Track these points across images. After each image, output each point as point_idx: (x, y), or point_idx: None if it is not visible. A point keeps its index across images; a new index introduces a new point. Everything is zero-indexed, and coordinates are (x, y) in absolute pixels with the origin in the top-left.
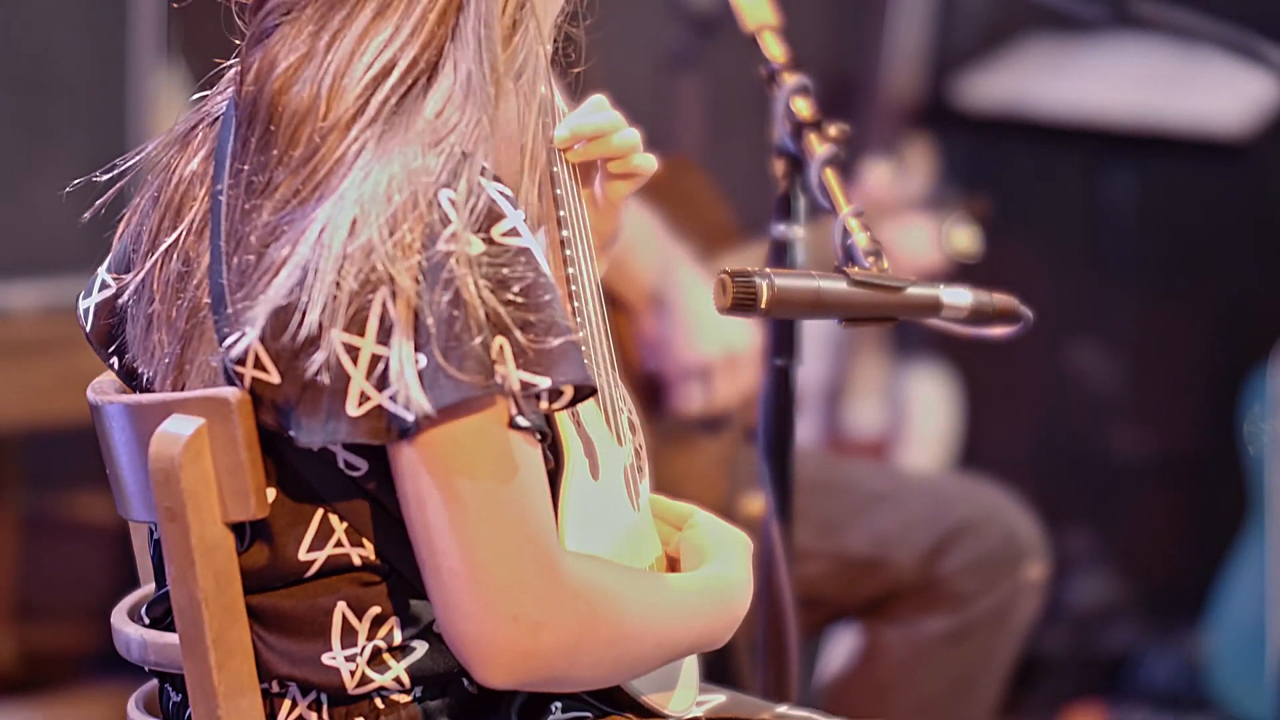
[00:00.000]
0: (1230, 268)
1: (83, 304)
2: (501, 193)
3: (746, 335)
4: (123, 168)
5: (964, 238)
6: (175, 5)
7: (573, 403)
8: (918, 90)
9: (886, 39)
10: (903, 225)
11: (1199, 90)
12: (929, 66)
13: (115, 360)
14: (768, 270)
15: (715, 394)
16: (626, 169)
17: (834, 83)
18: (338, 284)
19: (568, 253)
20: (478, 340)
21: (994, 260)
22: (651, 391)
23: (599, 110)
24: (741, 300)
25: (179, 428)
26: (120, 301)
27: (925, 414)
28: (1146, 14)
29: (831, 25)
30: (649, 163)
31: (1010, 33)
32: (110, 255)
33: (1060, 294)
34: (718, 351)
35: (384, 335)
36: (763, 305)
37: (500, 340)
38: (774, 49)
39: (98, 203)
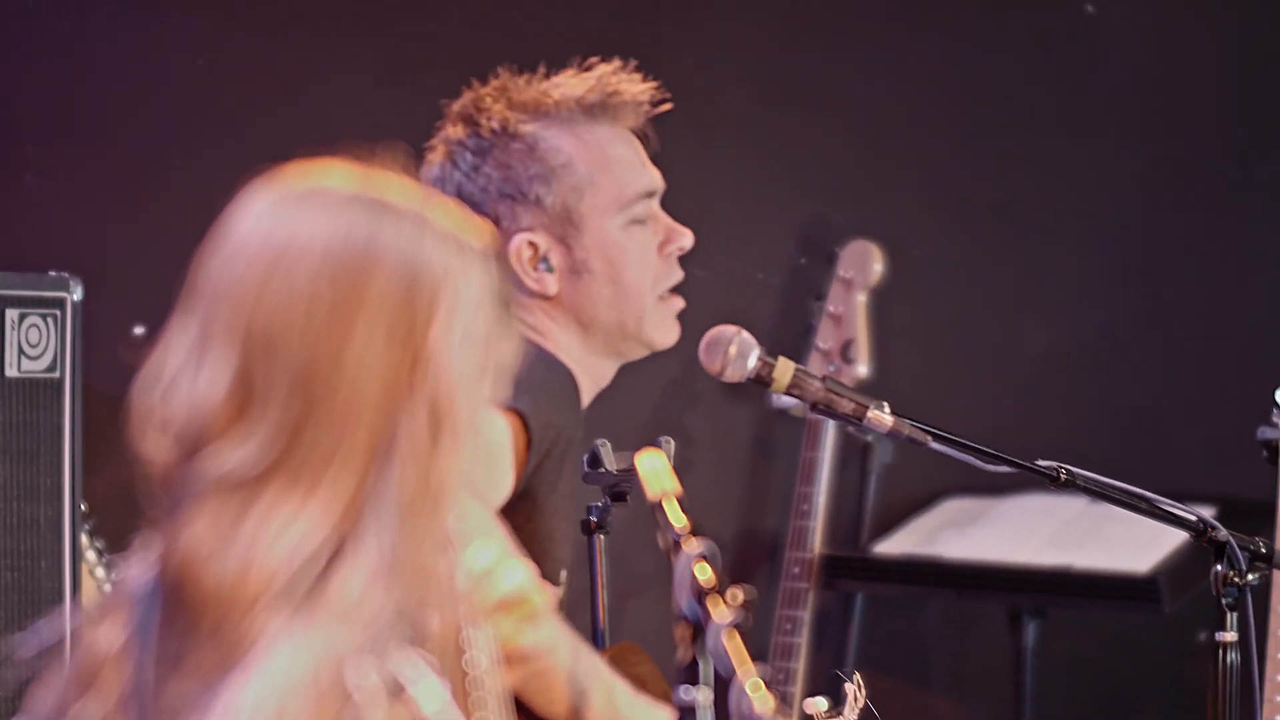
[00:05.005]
0: (1147, 710)
1: None
2: (411, 664)
3: None
4: (38, 639)
5: None
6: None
7: None
8: (835, 547)
9: (805, 496)
10: None
11: (1111, 537)
12: (848, 523)
13: None
14: None
15: None
16: (520, 611)
17: (751, 540)
18: None
19: (476, 693)
20: None
21: (914, 715)
22: None
23: (486, 553)
24: None
25: None
26: None
27: None
28: (1060, 479)
29: (751, 483)
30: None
31: (927, 491)
32: None
33: None
34: None
35: None
36: None
37: None
38: (676, 516)
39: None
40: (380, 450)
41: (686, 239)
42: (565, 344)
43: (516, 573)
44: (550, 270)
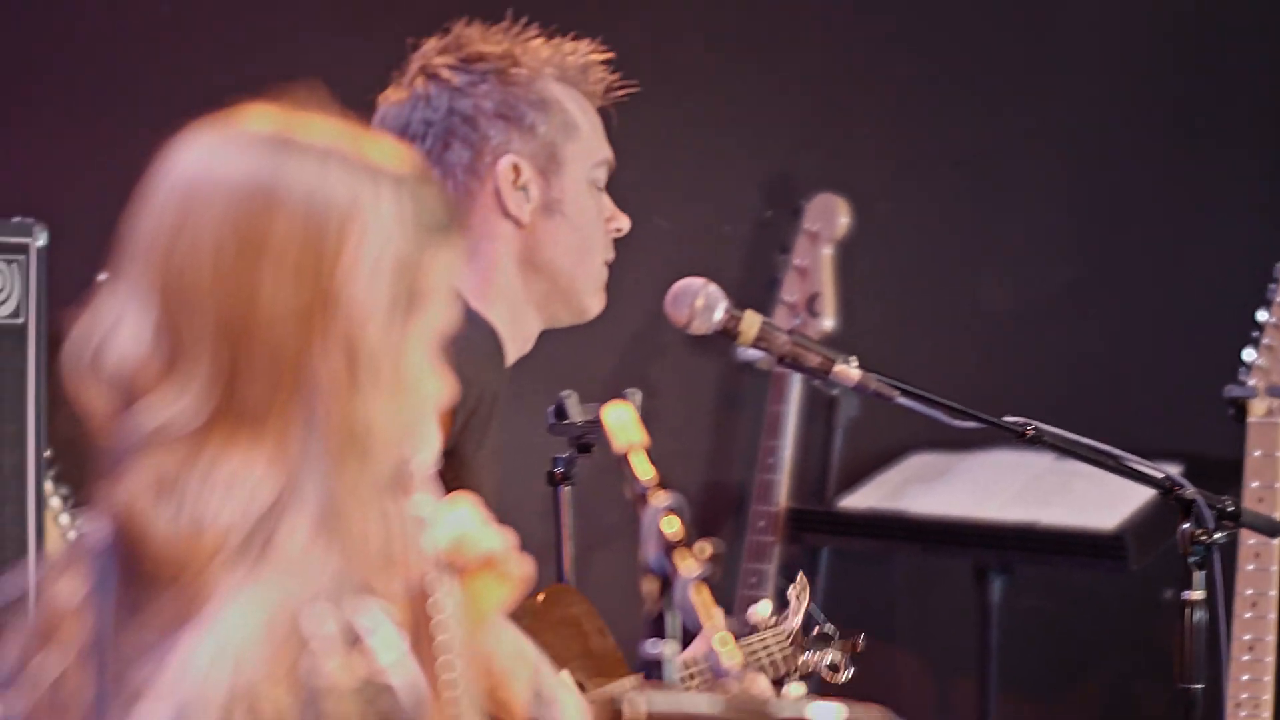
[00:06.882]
0: (1112, 667)
1: None
2: (369, 613)
3: None
4: (2, 593)
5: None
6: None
7: None
8: (802, 500)
9: (771, 449)
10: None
11: (1078, 493)
12: (814, 477)
13: None
14: (641, 690)
15: None
16: (500, 574)
17: (716, 493)
18: (208, 709)
19: (444, 657)
20: None
21: (879, 670)
22: None
23: (469, 514)
24: None
25: None
26: None
27: None
28: (1026, 434)
29: (717, 436)
30: (521, 569)
31: (893, 446)
32: None
33: (946, 699)
34: None
35: None
36: None
37: None
38: (643, 468)
39: None
40: (306, 396)
41: (625, 222)
42: (507, 283)
43: (496, 534)
44: (528, 200)
